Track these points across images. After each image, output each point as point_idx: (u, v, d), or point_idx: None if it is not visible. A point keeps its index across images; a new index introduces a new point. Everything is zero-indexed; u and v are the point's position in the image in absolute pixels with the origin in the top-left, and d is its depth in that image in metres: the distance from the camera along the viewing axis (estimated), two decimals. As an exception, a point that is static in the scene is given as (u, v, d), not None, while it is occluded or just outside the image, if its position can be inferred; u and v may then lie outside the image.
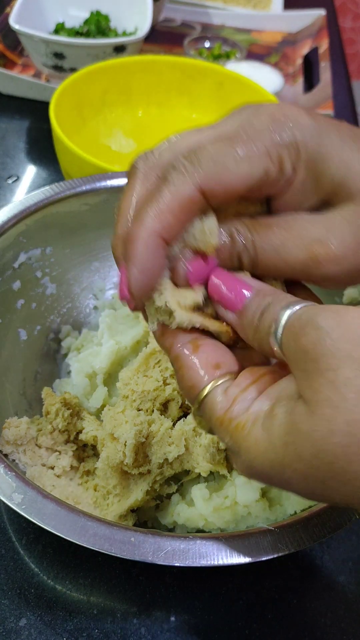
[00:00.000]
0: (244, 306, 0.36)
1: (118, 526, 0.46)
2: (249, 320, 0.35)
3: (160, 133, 1.08)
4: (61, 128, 0.88)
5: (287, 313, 0.33)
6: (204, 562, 0.45)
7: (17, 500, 0.47)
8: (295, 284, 0.41)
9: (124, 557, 0.45)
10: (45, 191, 0.71)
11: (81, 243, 0.77)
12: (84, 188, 0.73)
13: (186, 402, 0.61)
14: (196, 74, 1.09)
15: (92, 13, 1.32)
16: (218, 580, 0.62)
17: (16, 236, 0.68)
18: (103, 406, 0.65)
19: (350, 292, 0.70)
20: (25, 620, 0.57)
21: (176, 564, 0.45)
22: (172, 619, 0.59)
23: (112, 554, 0.45)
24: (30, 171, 1.11)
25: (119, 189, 0.75)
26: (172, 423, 0.59)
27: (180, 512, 0.57)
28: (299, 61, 1.49)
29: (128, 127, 1.08)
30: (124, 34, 1.32)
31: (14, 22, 1.13)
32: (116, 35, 1.32)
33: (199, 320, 0.37)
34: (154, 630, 0.58)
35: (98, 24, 1.29)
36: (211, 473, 0.60)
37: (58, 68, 1.17)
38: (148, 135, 1.08)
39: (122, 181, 0.75)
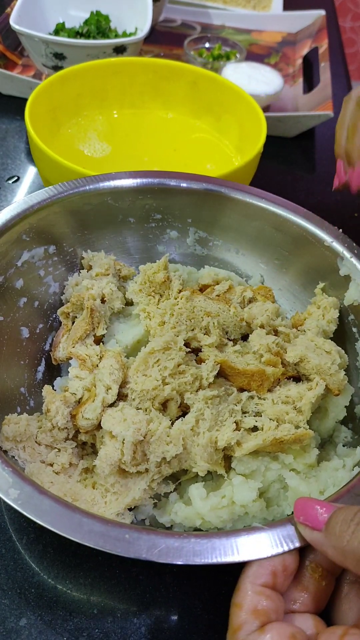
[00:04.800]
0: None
1: (113, 523, 0.47)
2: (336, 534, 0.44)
3: (136, 135, 1.08)
4: (37, 134, 0.86)
5: None
6: (198, 560, 0.45)
7: (13, 496, 0.47)
8: None
9: (118, 554, 0.45)
10: (49, 190, 0.71)
11: (84, 242, 0.77)
12: (86, 188, 0.73)
13: (185, 402, 0.62)
14: (169, 74, 1.08)
15: (92, 13, 1.32)
16: (218, 580, 0.62)
17: (19, 234, 0.68)
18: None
19: (350, 295, 0.70)
20: (26, 620, 0.57)
21: (170, 562, 0.45)
22: (172, 618, 0.59)
23: (106, 551, 0.45)
24: (31, 172, 1.11)
25: (121, 190, 0.75)
26: (170, 422, 0.59)
27: (177, 510, 0.57)
28: (299, 61, 1.49)
29: (103, 130, 1.07)
30: (124, 34, 1.33)
31: (14, 23, 1.13)
32: (116, 35, 1.32)
33: None
34: (154, 629, 0.58)
35: (98, 24, 1.29)
36: (209, 472, 0.60)
37: (58, 68, 1.17)
38: (124, 138, 1.07)
39: (124, 182, 0.76)
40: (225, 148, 1.07)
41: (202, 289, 0.77)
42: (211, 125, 1.10)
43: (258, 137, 0.93)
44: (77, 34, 1.29)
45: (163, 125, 1.11)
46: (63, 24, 1.31)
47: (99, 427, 0.60)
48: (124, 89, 1.09)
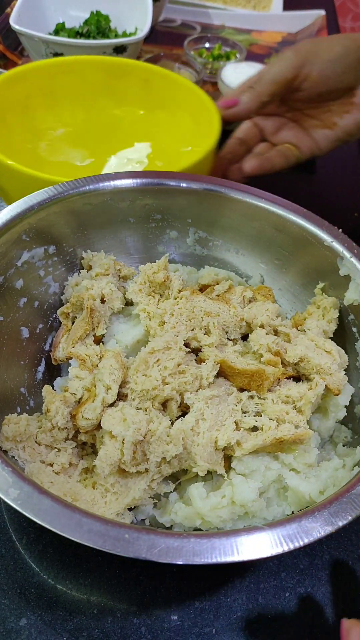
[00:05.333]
0: None
1: (113, 523, 0.47)
2: None
3: (90, 134, 1.05)
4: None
5: None
6: (198, 560, 0.45)
7: (13, 495, 0.47)
8: None
9: (118, 554, 0.45)
10: (49, 190, 0.71)
11: (84, 242, 0.77)
12: (87, 188, 0.73)
13: (185, 402, 0.62)
14: (120, 73, 1.06)
15: (92, 13, 1.32)
16: (218, 581, 0.62)
17: (19, 235, 0.68)
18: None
19: (350, 295, 0.70)
20: (26, 620, 0.57)
21: (170, 562, 0.45)
22: (173, 618, 0.59)
23: (106, 550, 0.45)
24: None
25: (121, 190, 0.75)
26: (170, 422, 0.59)
27: (177, 510, 0.57)
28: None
29: (57, 131, 1.05)
30: (124, 34, 1.33)
31: (14, 23, 1.13)
32: (116, 35, 1.32)
33: None
34: (154, 629, 0.58)
35: (98, 24, 1.29)
36: (209, 472, 0.60)
37: (58, 68, 1.17)
38: (78, 138, 1.05)
39: (124, 182, 0.76)
40: (180, 145, 1.04)
41: (202, 289, 0.77)
42: (166, 122, 1.08)
43: (212, 133, 0.90)
44: (77, 34, 1.29)
45: (117, 124, 1.09)
46: (63, 24, 1.31)
47: (99, 427, 0.60)
48: (74, 89, 1.06)
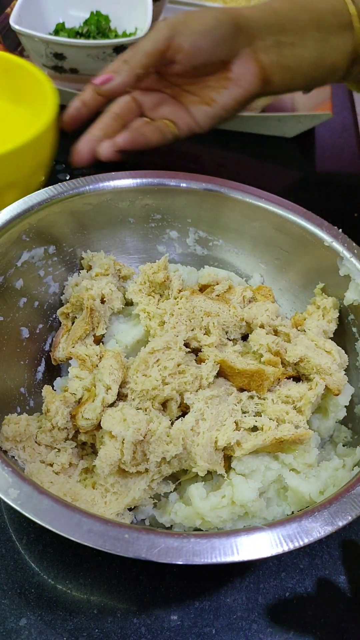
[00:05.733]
0: None
1: (113, 523, 0.47)
2: None
3: None
4: None
5: None
6: (197, 560, 0.45)
7: (13, 496, 0.47)
8: None
9: (117, 554, 0.45)
10: (49, 190, 0.71)
11: (84, 242, 0.77)
12: (87, 188, 0.73)
13: (185, 402, 0.62)
14: None
15: (92, 13, 1.32)
16: (218, 580, 0.62)
17: (19, 235, 0.68)
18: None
19: (350, 295, 0.70)
20: (26, 620, 0.57)
21: (169, 561, 0.45)
22: (172, 618, 0.59)
23: (106, 550, 0.45)
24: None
25: (121, 190, 0.76)
26: (170, 422, 0.59)
27: (177, 510, 0.57)
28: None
29: None
30: (124, 34, 1.32)
31: (14, 23, 1.13)
32: (116, 35, 1.32)
33: None
34: (154, 629, 0.58)
35: (98, 24, 1.29)
36: (209, 472, 0.60)
37: (58, 68, 1.17)
38: None
39: (124, 182, 0.76)
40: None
41: (202, 289, 0.77)
42: (33, 114, 0.99)
43: (45, 115, 0.86)
44: (77, 34, 1.29)
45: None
46: (63, 24, 1.31)
47: (99, 427, 0.60)
48: None
